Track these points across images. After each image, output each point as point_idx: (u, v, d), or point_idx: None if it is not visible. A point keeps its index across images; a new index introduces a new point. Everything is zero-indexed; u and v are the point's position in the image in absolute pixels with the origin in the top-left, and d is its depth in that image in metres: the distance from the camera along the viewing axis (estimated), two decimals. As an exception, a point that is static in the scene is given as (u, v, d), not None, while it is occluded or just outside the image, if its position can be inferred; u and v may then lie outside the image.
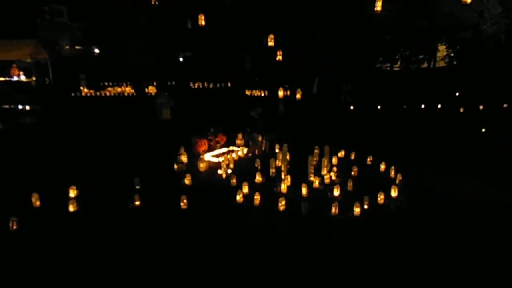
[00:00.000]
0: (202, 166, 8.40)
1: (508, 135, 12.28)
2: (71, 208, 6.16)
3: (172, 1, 19.47)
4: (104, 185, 7.34)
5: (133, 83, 23.29)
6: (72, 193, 6.68)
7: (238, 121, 11.58)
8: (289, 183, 7.32)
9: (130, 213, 6.20)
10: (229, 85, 23.41)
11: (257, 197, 6.49)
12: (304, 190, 6.91)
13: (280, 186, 7.14)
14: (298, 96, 7.47)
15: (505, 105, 16.48)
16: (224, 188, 7.31)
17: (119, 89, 22.62)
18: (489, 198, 7.10)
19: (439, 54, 34.65)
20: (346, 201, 6.57)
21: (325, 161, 8.16)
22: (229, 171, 8.26)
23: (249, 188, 7.00)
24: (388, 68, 34.10)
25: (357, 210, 6.11)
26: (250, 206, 6.46)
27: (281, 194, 6.94)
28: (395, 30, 19.43)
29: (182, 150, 8.84)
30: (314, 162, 7.80)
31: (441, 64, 35.39)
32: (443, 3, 15.63)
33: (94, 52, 33.43)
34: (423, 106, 16.86)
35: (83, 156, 9.93)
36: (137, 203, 6.38)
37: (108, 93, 21.62)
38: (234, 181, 7.45)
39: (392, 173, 8.06)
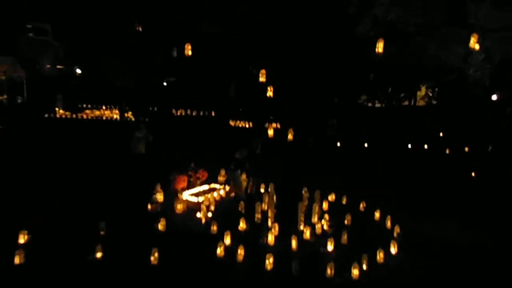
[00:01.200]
0: (179, 207, 7.50)
1: (495, 177, 12.00)
2: (17, 260, 5.11)
3: (158, 30, 18.96)
4: (62, 228, 6.32)
5: (113, 107, 22.36)
6: (22, 238, 5.65)
7: (222, 156, 10.83)
8: (276, 233, 6.51)
9: (88, 268, 5.20)
10: (213, 114, 22.75)
11: (240, 252, 5.62)
12: (294, 243, 6.10)
13: (266, 237, 6.31)
14: (290, 136, 6.81)
15: (489, 148, 16.46)
16: (203, 237, 6.42)
17: (97, 112, 21.63)
18: (485, 248, 6.68)
19: (419, 93, 35.70)
20: (341, 258, 5.82)
21: (316, 208, 7.42)
22: (210, 214, 7.39)
23: (232, 238, 6.13)
24: (370, 105, 34.67)
25: (355, 272, 5.32)
26: (233, 262, 5.57)
27: (268, 247, 6.12)
28: (383, 68, 19.50)
29: (158, 188, 7.93)
30: (304, 209, 7.04)
31: (421, 103, 36.41)
32: (429, 46, 15.72)
33: (75, 72, 32.45)
34: (409, 145, 16.61)
35: (42, 189, 8.80)
36: (99, 254, 5.39)
37: (85, 116, 20.56)
38: (214, 228, 6.57)
39: (388, 223, 7.38)
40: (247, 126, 19.48)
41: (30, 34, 29.53)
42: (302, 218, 6.94)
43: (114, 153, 11.02)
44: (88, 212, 7.09)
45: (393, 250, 6.24)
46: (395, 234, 6.87)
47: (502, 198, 9.95)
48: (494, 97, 18.21)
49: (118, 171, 9.62)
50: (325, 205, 8.10)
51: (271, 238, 6.28)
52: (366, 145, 16.34)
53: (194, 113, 22.93)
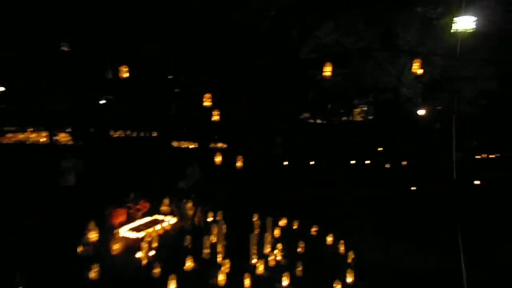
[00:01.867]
0: (115, 247, 6.62)
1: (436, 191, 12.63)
2: None
3: (88, 49, 17.61)
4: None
5: (41, 129, 20.23)
6: None
7: (164, 182, 10.05)
8: (227, 270, 5.97)
9: None
10: (155, 134, 21.59)
11: (188, 299, 4.99)
12: (247, 282, 5.61)
13: (217, 276, 5.74)
14: (239, 164, 6.39)
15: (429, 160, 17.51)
16: (144, 283, 5.66)
17: (21, 136, 19.41)
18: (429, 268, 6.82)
19: (355, 110, 37.89)
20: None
21: (268, 237, 7.02)
22: (152, 252, 6.62)
23: (178, 282, 5.46)
24: (311, 121, 35.83)
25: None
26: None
27: (218, 288, 5.57)
28: (323, 88, 20.06)
29: (91, 225, 6.95)
30: (255, 241, 6.58)
31: (358, 118, 38.59)
32: (365, 67, 16.46)
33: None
34: (352, 161, 17.09)
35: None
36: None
37: (7, 140, 18.34)
38: (157, 270, 5.84)
39: (342, 248, 7.21)
40: (191, 146, 18.72)
41: None
42: (255, 251, 6.48)
43: (38, 185, 9.68)
44: (5, 258, 5.95)
45: (350, 278, 6.03)
46: (349, 260, 6.71)
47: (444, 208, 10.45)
48: (421, 112, 19.76)
49: (42, 207, 8.38)
50: (277, 232, 7.74)
51: (222, 277, 5.73)
52: (311, 162, 16.51)
53: (134, 134, 21.61)
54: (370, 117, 35.40)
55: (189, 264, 6.15)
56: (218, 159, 6.51)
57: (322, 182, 13.66)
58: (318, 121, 32.79)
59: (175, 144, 19.18)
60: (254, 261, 6.42)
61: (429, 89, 16.42)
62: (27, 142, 18.57)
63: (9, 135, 19.09)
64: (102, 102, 26.65)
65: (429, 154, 16.91)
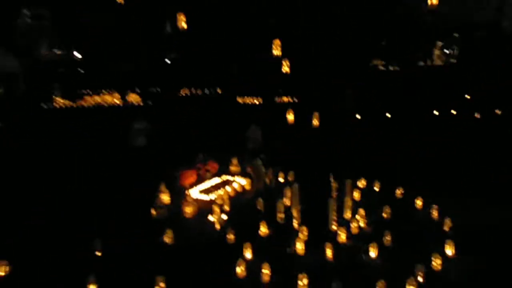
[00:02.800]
0: (188, 210, 6.45)
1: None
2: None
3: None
4: (47, 248, 5.35)
5: (114, 91, 21.13)
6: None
7: (232, 141, 9.68)
8: (305, 238, 5.44)
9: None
10: (219, 91, 21.33)
11: (265, 271, 4.56)
12: (329, 252, 5.03)
13: (294, 245, 5.24)
14: (315, 122, 5.57)
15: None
16: (219, 248, 5.39)
17: (97, 98, 20.45)
18: None
19: (435, 53, 33.49)
20: (388, 268, 4.76)
21: (348, 201, 6.30)
22: (224, 216, 6.34)
23: (253, 250, 5.08)
24: (384, 68, 32.65)
25: (412, 290, 4.25)
26: (255, 285, 4.53)
27: (297, 258, 5.08)
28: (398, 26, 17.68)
29: (162, 188, 6.87)
30: (335, 207, 5.89)
31: (438, 62, 34.22)
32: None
33: (75, 57, 30.99)
34: (436, 112, 15.16)
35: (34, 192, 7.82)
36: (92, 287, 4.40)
37: (84, 103, 19.43)
38: (231, 237, 5.52)
39: (435, 214, 6.25)
40: (256, 102, 18.10)
41: (26, 20, 27.98)
42: (335, 217, 5.83)
43: (111, 147, 9.91)
44: (82, 223, 6.09)
45: (449, 251, 5.13)
46: (446, 229, 5.76)
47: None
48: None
49: (115, 169, 8.54)
50: (356, 195, 6.98)
51: (300, 246, 5.22)
52: (388, 115, 14.95)
53: (199, 92, 21.55)
54: (453, 60, 31.28)
55: (263, 229, 5.73)
56: (290, 117, 5.76)
57: (400, 137, 12.28)
58: (392, 68, 29.81)
59: (239, 100, 18.71)
60: (334, 228, 5.79)
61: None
62: (104, 104, 19.51)
63: (87, 97, 20.21)
64: (167, 61, 27.04)
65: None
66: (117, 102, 19.88)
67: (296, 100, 17.27)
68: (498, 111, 14.96)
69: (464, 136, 12.35)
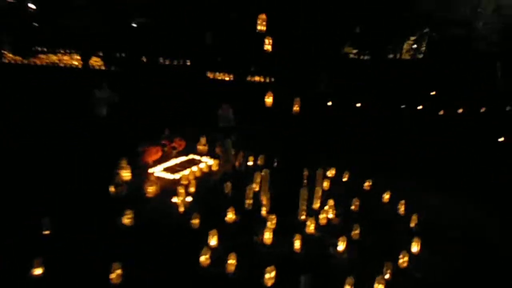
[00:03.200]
0: (150, 189, 6.01)
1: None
2: None
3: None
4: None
5: (73, 51, 19.49)
6: None
7: (200, 118, 9.21)
8: (273, 226, 5.23)
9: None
10: (188, 63, 20.40)
11: (231, 261, 4.31)
12: (297, 244, 4.87)
13: (262, 234, 5.02)
14: (296, 108, 5.23)
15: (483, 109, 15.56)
16: (182, 233, 5.05)
17: (54, 58, 18.83)
18: None
19: (404, 47, 34.23)
20: (356, 263, 4.70)
21: (319, 192, 6.15)
22: (189, 198, 5.98)
23: (219, 236, 4.80)
24: (356, 57, 32.89)
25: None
26: (220, 275, 4.27)
27: (264, 247, 4.88)
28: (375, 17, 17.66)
29: (123, 163, 6.32)
30: (306, 196, 5.71)
31: (406, 56, 35.08)
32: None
33: (28, 8, 28.20)
34: (402, 106, 15.47)
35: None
36: (38, 271, 3.92)
37: (38, 62, 17.82)
38: (196, 221, 5.19)
39: (402, 209, 6.29)
40: (227, 79, 17.53)
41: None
42: (304, 207, 5.66)
43: (68, 114, 9.07)
44: (31, 201, 5.48)
45: (415, 248, 5.16)
46: (412, 225, 5.80)
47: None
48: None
49: (72, 140, 7.80)
50: (325, 185, 6.87)
51: (268, 235, 5.01)
52: (358, 104, 15.05)
53: (167, 62, 20.53)
54: (420, 56, 32.11)
55: (230, 216, 5.45)
56: (269, 100, 5.40)
57: (371, 127, 12.40)
58: (364, 57, 30.04)
59: (210, 75, 18.00)
60: (302, 217, 5.64)
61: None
62: (60, 65, 17.98)
63: (42, 55, 18.53)
64: (134, 25, 25.34)
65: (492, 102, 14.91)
66: (76, 64, 18.38)
67: (268, 81, 16.94)
68: (460, 110, 15.53)
69: (432, 129, 12.72)
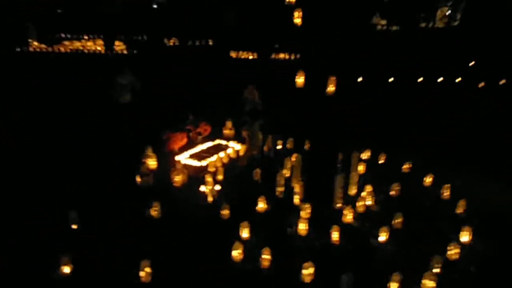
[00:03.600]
0: (177, 178, 5.79)
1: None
2: None
3: None
4: (23, 218, 4.69)
5: (97, 37, 19.45)
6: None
7: (226, 101, 8.85)
8: (308, 215, 4.90)
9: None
10: (210, 43, 19.90)
11: (265, 256, 4.04)
12: (335, 235, 4.52)
13: (297, 225, 4.70)
14: (331, 88, 4.72)
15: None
16: (211, 225, 4.81)
17: (78, 44, 18.87)
18: None
19: (438, 14, 32.11)
20: (401, 256, 4.31)
21: (354, 177, 5.72)
22: (217, 187, 5.71)
23: (251, 228, 4.53)
24: (384, 28, 31.17)
25: (429, 284, 3.80)
26: (254, 271, 4.01)
27: (300, 240, 4.56)
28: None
29: (149, 152, 6.13)
30: (342, 182, 5.30)
31: (440, 24, 32.91)
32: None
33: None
34: (440, 79, 14.44)
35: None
36: (66, 269, 3.79)
37: (63, 49, 17.88)
38: (226, 212, 4.94)
39: (446, 193, 5.77)
40: (251, 57, 16.97)
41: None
42: (340, 195, 5.27)
43: (91, 102, 8.95)
44: (57, 193, 5.38)
45: (466, 237, 4.69)
46: (460, 211, 5.29)
47: None
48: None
49: (95, 127, 7.68)
50: (361, 169, 6.41)
51: (303, 226, 4.68)
52: (391, 79, 14.19)
53: (189, 43, 20.15)
54: (455, 23, 30.07)
55: (261, 205, 5.15)
56: (300, 80, 4.94)
57: (404, 104, 11.65)
58: (394, 28, 28.40)
59: (233, 55, 17.49)
60: (339, 205, 5.26)
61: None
62: (85, 51, 18.01)
63: (66, 42, 18.61)
64: (154, 6, 24.96)
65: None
66: (99, 49, 18.34)
67: (293, 58, 16.25)
68: (503, 80, 14.34)
69: (471, 105, 11.81)
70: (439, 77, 14.45)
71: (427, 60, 17.24)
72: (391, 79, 14.45)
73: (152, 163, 6.07)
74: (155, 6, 26.55)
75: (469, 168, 6.87)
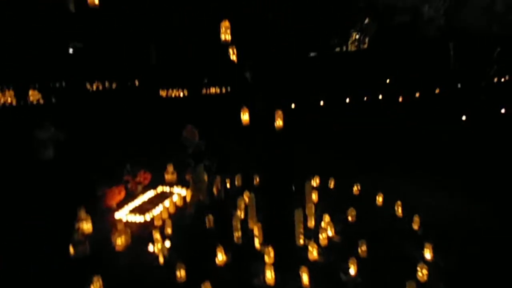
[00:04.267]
0: (119, 241, 5.05)
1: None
2: None
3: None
4: None
5: (6, 87, 17.51)
6: None
7: (163, 143, 8.30)
8: (272, 260, 4.52)
9: None
10: (136, 83, 19.12)
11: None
12: (305, 278, 4.20)
13: (263, 273, 4.29)
14: (279, 123, 4.53)
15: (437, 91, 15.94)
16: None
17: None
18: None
19: (351, 38, 35.22)
20: (375, 285, 4.14)
21: (311, 207, 5.54)
22: (167, 243, 5.09)
23: (214, 286, 4.01)
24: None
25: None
26: None
27: (268, 290, 4.16)
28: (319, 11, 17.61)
29: (82, 213, 5.32)
30: (301, 216, 5.06)
31: (352, 48, 36.04)
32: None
33: None
34: (365, 98, 15.44)
35: None
36: None
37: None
38: (182, 273, 4.35)
39: (399, 211, 5.85)
40: (181, 95, 16.56)
41: None
42: (301, 230, 5.01)
43: (8, 161, 7.75)
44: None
45: (428, 255, 4.69)
46: (416, 228, 5.35)
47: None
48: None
49: (17, 190, 6.57)
50: (314, 196, 6.28)
51: (270, 275, 4.29)
52: (321, 103, 14.78)
53: (113, 85, 19.12)
54: (364, 46, 33.08)
55: (221, 257, 4.66)
56: (245, 117, 4.70)
57: (337, 126, 12.10)
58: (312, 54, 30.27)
59: (162, 93, 16.92)
60: (300, 241, 4.99)
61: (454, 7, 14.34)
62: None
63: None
64: (70, 51, 23.50)
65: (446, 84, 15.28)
66: (10, 100, 16.47)
67: (225, 91, 16.23)
68: (417, 94, 15.76)
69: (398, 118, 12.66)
70: (363, 95, 15.45)
71: (347, 81, 18.43)
72: (321, 103, 15.06)
73: (86, 226, 5.27)
74: (71, 50, 25.05)
75: (412, 180, 7.14)
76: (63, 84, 19.34)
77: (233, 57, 4.71)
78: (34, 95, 16.68)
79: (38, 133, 6.59)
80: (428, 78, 15.70)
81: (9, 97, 17.21)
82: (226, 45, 4.39)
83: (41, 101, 15.74)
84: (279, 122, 4.47)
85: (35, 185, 6.40)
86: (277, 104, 4.89)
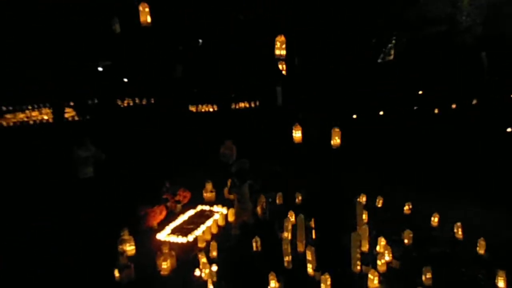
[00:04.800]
0: (165, 265, 4.84)
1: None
2: None
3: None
4: None
5: (41, 106, 18.08)
6: None
7: (200, 160, 8.15)
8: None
9: None
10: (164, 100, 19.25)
11: None
12: (369, 309, 3.83)
13: (321, 303, 3.96)
14: (336, 140, 4.24)
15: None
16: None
17: (21, 115, 17.35)
18: None
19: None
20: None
21: (365, 231, 5.17)
22: (214, 267, 4.83)
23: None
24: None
25: None
26: None
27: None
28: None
29: (125, 234, 5.15)
30: (359, 242, 4.69)
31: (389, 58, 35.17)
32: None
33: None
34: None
35: None
36: None
37: (5, 123, 16.30)
38: (233, 301, 4.08)
39: (459, 232, 5.39)
40: (211, 110, 16.55)
41: None
42: (359, 255, 4.65)
43: (46, 180, 7.77)
44: None
45: (502, 283, 4.22)
46: (481, 252, 4.88)
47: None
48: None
49: (58, 213, 6.50)
50: (364, 217, 5.90)
51: (328, 305, 3.94)
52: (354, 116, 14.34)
53: (143, 102, 19.38)
54: (390, 57, 32.36)
55: (273, 284, 4.35)
56: (297, 134, 4.45)
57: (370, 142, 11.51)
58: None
59: (192, 109, 16.97)
60: (357, 267, 4.62)
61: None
62: (30, 122, 16.54)
63: (8, 115, 17.03)
64: (100, 69, 24.13)
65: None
66: (47, 118, 16.98)
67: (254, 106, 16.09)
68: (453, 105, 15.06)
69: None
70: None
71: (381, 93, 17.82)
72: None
73: (130, 248, 5.10)
74: (100, 68, 25.74)
75: (460, 200, 6.63)
76: (95, 101, 19.76)
77: (283, 72, 4.49)
78: (68, 112, 17.09)
79: (78, 151, 6.54)
80: (465, 89, 14.99)
81: (45, 115, 17.74)
82: (279, 59, 4.19)
83: (76, 118, 16.13)
84: (336, 140, 4.19)
85: (77, 204, 6.32)
86: (335, 121, 4.61)
